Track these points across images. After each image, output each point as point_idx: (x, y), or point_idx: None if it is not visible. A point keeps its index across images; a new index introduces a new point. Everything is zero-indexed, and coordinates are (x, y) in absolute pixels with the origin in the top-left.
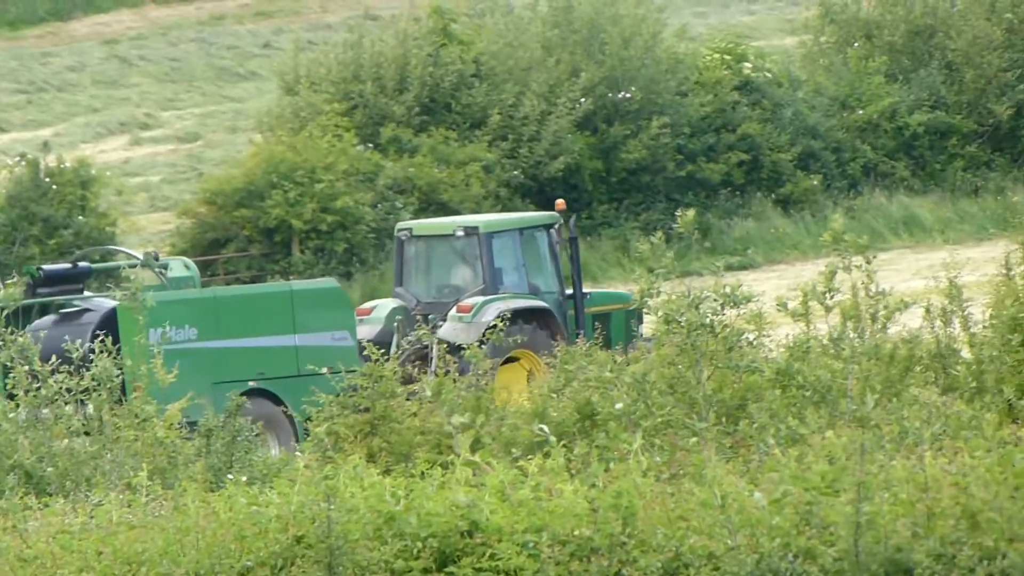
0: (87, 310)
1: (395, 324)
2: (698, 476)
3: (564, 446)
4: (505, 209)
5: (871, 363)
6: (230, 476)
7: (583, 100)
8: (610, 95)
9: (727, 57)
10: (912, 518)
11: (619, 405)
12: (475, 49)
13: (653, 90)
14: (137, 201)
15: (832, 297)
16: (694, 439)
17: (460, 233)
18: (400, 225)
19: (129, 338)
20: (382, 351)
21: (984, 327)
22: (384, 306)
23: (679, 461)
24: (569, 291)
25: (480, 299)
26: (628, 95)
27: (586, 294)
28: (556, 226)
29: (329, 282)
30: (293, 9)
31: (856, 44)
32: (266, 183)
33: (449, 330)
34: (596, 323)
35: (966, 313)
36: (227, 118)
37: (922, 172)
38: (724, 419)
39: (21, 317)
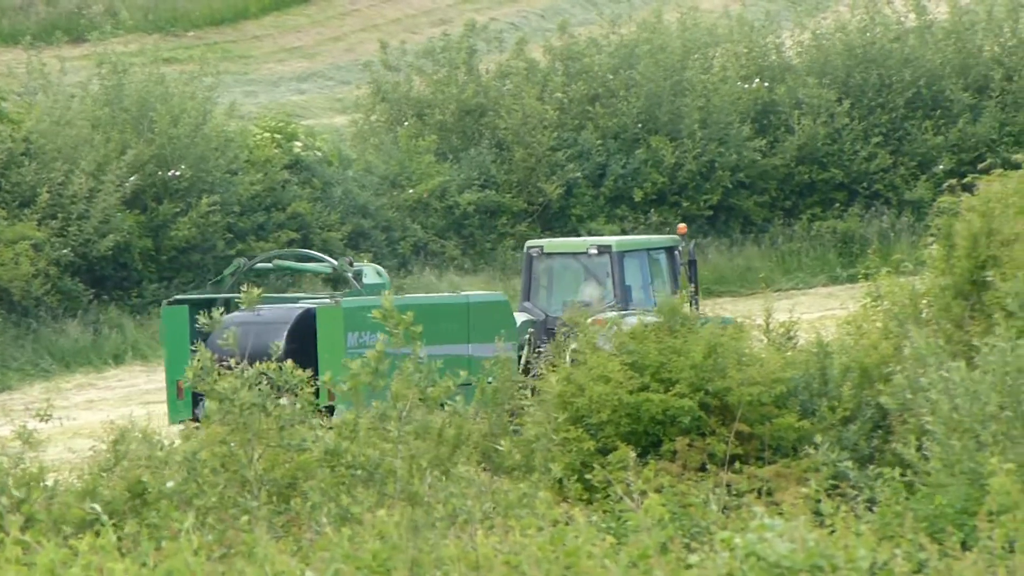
0: (278, 310)
1: (526, 336)
2: (249, 555)
3: (115, 525)
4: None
5: (419, 442)
6: None
7: (132, 178)
8: (160, 173)
9: (277, 136)
10: None
11: (170, 483)
12: (25, 127)
13: (203, 168)
14: None
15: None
16: (245, 518)
17: (593, 251)
18: (530, 243)
19: (327, 341)
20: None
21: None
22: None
23: (231, 540)
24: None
25: (613, 314)
26: (178, 173)
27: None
28: (678, 249)
29: (499, 295)
30: None
31: (407, 123)
32: None
33: None
34: None
35: (517, 392)
36: None
37: (472, 251)
38: (276, 498)
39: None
